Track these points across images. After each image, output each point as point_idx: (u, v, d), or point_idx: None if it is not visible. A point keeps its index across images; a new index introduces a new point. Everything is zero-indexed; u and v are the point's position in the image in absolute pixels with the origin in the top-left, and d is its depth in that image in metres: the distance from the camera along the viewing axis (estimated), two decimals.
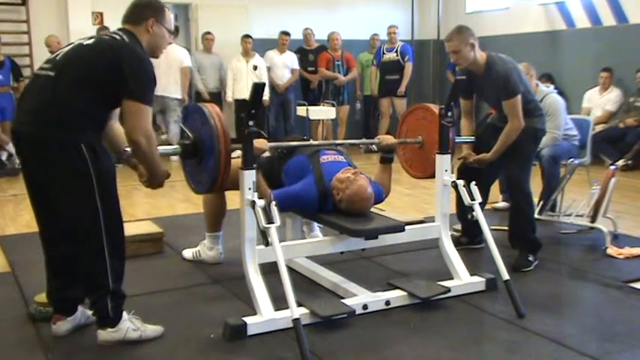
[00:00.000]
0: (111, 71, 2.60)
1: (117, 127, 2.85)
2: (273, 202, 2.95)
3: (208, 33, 8.69)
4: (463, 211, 3.84)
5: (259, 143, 3.18)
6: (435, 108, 3.77)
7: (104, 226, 2.68)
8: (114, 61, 2.60)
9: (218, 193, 3.84)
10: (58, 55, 2.71)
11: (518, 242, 3.95)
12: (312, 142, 3.68)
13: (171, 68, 7.89)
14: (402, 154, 4.02)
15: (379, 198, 3.49)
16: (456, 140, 3.81)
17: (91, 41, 2.70)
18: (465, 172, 3.93)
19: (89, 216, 2.66)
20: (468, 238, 4.23)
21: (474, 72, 3.84)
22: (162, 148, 2.99)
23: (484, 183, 3.86)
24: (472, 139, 4.05)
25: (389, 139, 3.74)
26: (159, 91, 7.94)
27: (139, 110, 2.62)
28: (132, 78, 2.59)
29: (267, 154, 3.61)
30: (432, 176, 3.70)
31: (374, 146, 9.78)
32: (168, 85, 7.91)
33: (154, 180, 2.86)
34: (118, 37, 2.70)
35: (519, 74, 3.80)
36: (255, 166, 3.05)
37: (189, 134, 3.06)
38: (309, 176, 3.36)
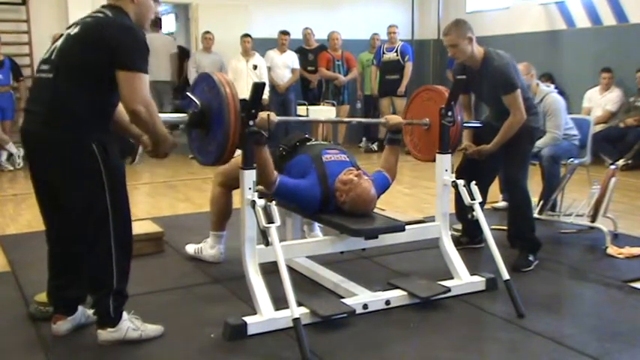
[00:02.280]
0: (101, 49, 2.55)
1: (120, 109, 2.77)
2: (277, 182, 3.02)
3: (207, 32, 8.68)
4: (462, 211, 3.84)
5: (267, 116, 3.13)
6: (442, 89, 3.72)
7: (113, 226, 2.68)
8: (101, 39, 2.56)
9: (225, 192, 3.84)
10: (52, 53, 2.68)
11: (517, 242, 3.95)
12: (318, 119, 3.64)
13: (159, 55, 8.65)
14: (410, 139, 3.96)
15: (385, 187, 3.51)
16: (464, 125, 3.78)
17: (77, 29, 2.66)
18: (464, 172, 3.92)
19: (98, 215, 2.66)
20: (468, 237, 4.23)
21: (470, 67, 3.83)
22: (168, 116, 2.91)
23: (482, 183, 3.86)
24: (479, 123, 4.02)
25: (396, 119, 3.69)
26: (152, 76, 8.50)
27: (133, 78, 2.54)
28: (121, 48, 2.54)
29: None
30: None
31: (374, 146, 9.81)
32: (160, 70, 8.67)
33: (159, 149, 2.77)
34: (101, 14, 2.66)
35: (516, 70, 3.80)
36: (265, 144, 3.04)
37: (197, 102, 2.96)
38: (313, 174, 3.34)
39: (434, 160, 3.69)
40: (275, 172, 3.23)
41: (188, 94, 3.05)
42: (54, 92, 2.60)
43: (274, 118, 3.20)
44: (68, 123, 2.58)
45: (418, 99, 3.89)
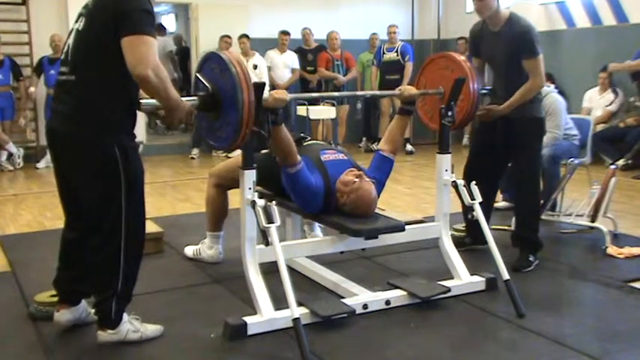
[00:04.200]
0: (107, 24, 2.47)
1: None
2: (301, 165, 3.06)
3: (227, 36, 8.62)
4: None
5: (280, 94, 3.06)
6: (457, 55, 3.64)
7: (125, 229, 2.68)
8: (104, 14, 2.51)
9: (220, 193, 3.84)
10: (68, 54, 2.66)
11: (519, 241, 3.94)
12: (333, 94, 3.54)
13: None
14: (421, 107, 3.85)
15: (389, 170, 3.48)
16: (480, 90, 3.67)
17: (83, 22, 2.62)
18: (472, 169, 3.88)
19: (112, 217, 2.66)
20: (472, 238, 4.19)
21: (487, 27, 3.74)
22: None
23: (492, 179, 3.79)
24: (489, 89, 3.92)
25: (411, 90, 3.59)
26: None
27: (140, 42, 2.41)
28: (124, 13, 2.44)
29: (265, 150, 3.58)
30: (455, 129, 3.60)
31: (374, 145, 9.83)
32: None
33: (173, 114, 2.64)
34: None
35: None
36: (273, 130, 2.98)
37: (207, 85, 2.82)
38: (317, 174, 3.31)
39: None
40: (298, 158, 3.19)
41: (197, 75, 2.93)
42: (77, 92, 2.60)
43: (286, 95, 3.09)
44: (92, 123, 2.58)
45: (432, 65, 3.76)
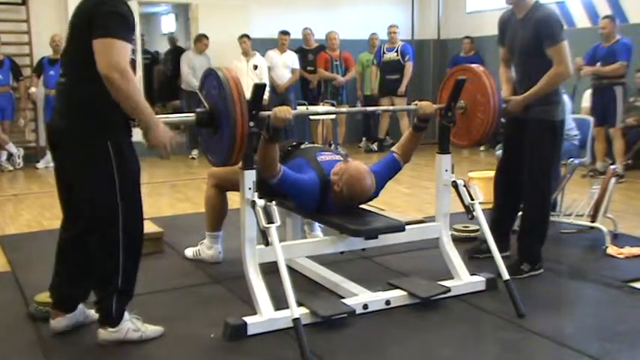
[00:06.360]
0: (84, 27, 2.50)
1: None
2: (281, 173, 3.08)
3: (205, 37, 8.70)
4: (495, 220, 3.56)
5: (283, 112, 3.00)
6: (478, 68, 3.55)
7: (122, 226, 2.69)
8: (82, 17, 2.55)
9: (219, 193, 3.85)
10: (62, 56, 2.75)
11: (519, 248, 3.81)
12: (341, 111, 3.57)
13: None
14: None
15: (394, 171, 3.49)
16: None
17: (69, 27, 2.69)
18: (503, 170, 3.81)
19: (107, 214, 2.67)
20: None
21: (514, 15, 3.68)
22: (175, 116, 2.91)
23: (521, 179, 3.70)
24: None
25: (427, 108, 3.45)
26: None
27: (108, 45, 2.44)
28: (97, 16, 2.48)
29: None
30: (478, 145, 3.50)
31: (374, 146, 9.80)
32: None
33: (149, 134, 2.60)
34: None
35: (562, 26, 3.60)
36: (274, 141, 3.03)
37: (205, 103, 2.88)
38: (312, 171, 3.33)
39: (472, 146, 3.48)
40: (279, 165, 3.21)
41: (197, 91, 3.01)
42: (68, 93, 2.66)
43: (289, 115, 3.03)
44: (85, 121, 2.61)
45: (452, 80, 3.61)
